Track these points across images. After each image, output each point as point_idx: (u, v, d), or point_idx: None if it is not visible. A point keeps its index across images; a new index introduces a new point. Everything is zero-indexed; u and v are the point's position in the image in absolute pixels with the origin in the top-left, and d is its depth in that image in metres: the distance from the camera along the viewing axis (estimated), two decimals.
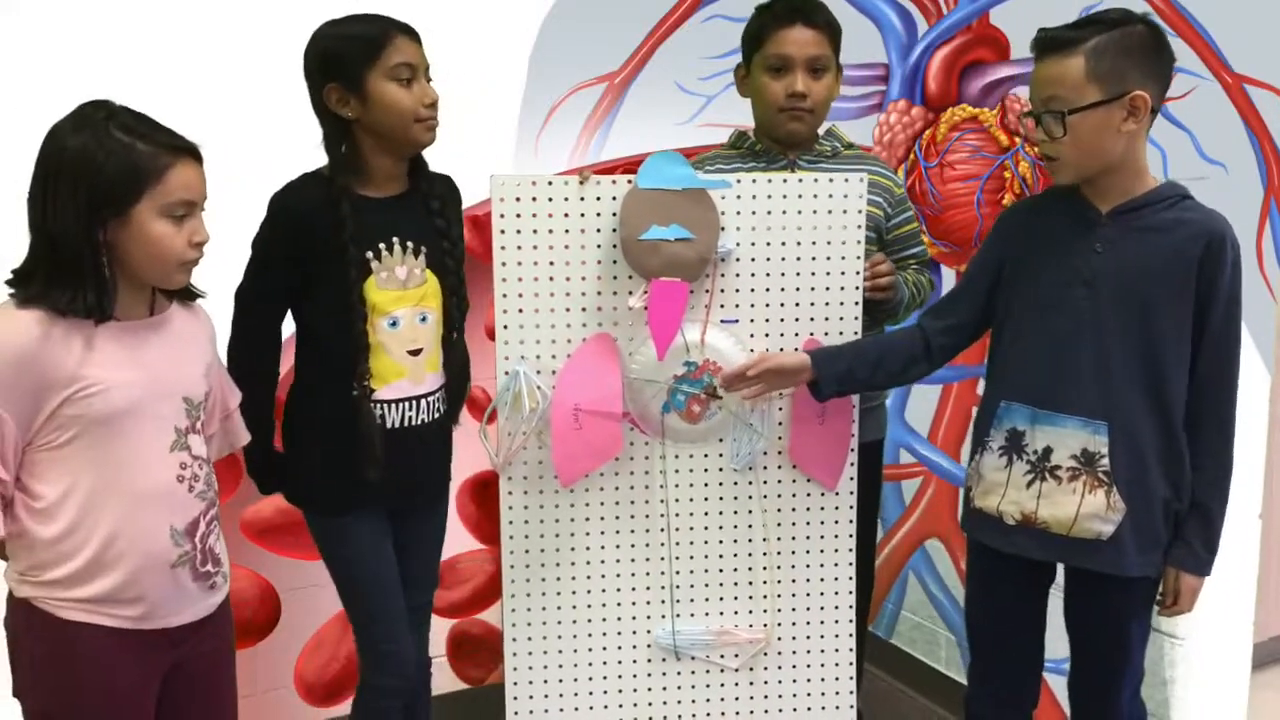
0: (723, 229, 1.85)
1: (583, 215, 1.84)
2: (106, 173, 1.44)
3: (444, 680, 2.51)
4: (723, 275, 1.87)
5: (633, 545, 1.94)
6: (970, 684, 1.92)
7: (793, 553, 1.96)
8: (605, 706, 1.96)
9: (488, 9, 2.45)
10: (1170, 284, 1.64)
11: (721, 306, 1.89)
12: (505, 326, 1.86)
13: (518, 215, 1.84)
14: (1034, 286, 1.74)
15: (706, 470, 1.94)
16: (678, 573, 1.94)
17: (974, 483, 1.80)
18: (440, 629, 2.56)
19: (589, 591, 1.94)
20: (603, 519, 1.93)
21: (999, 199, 2.53)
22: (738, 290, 1.89)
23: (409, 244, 1.83)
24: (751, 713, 1.97)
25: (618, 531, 1.94)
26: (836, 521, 1.97)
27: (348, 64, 1.75)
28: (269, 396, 1.90)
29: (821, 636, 1.97)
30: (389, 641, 1.91)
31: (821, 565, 1.97)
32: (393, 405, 1.83)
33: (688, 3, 2.67)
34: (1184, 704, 2.15)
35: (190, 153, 1.51)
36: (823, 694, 1.98)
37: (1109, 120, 1.60)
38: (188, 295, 1.62)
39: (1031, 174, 2.44)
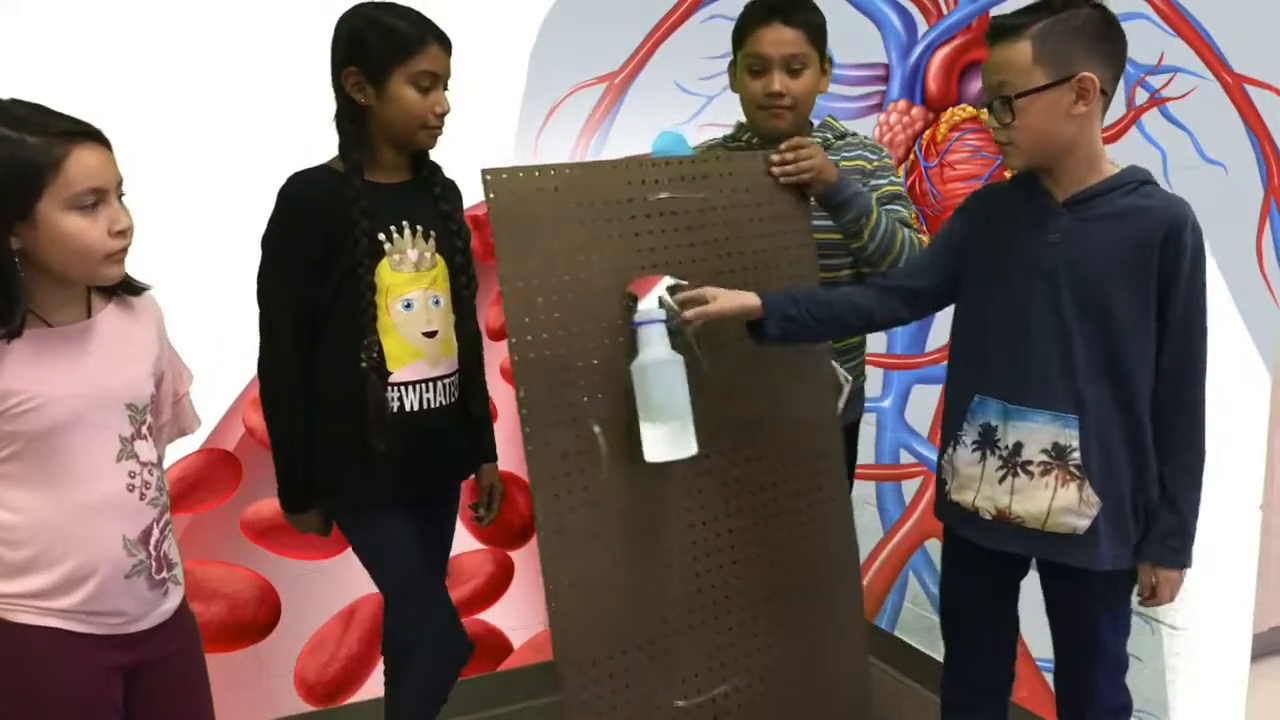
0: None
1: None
2: None
3: None
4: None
5: None
6: (946, 672, 1.93)
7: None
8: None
9: (488, 9, 2.45)
10: (1128, 273, 1.62)
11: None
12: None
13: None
14: (996, 279, 1.74)
15: None
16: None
17: (948, 475, 1.80)
18: None
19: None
20: None
21: None
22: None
23: (419, 228, 1.84)
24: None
25: None
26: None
27: (375, 55, 1.75)
28: (301, 411, 1.85)
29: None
30: (426, 622, 1.90)
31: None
32: (410, 387, 1.83)
33: (688, 3, 2.67)
34: (1183, 693, 2.15)
35: (89, 136, 1.39)
36: None
37: (1057, 103, 1.59)
38: (129, 290, 1.52)
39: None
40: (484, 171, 1.68)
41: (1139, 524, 1.69)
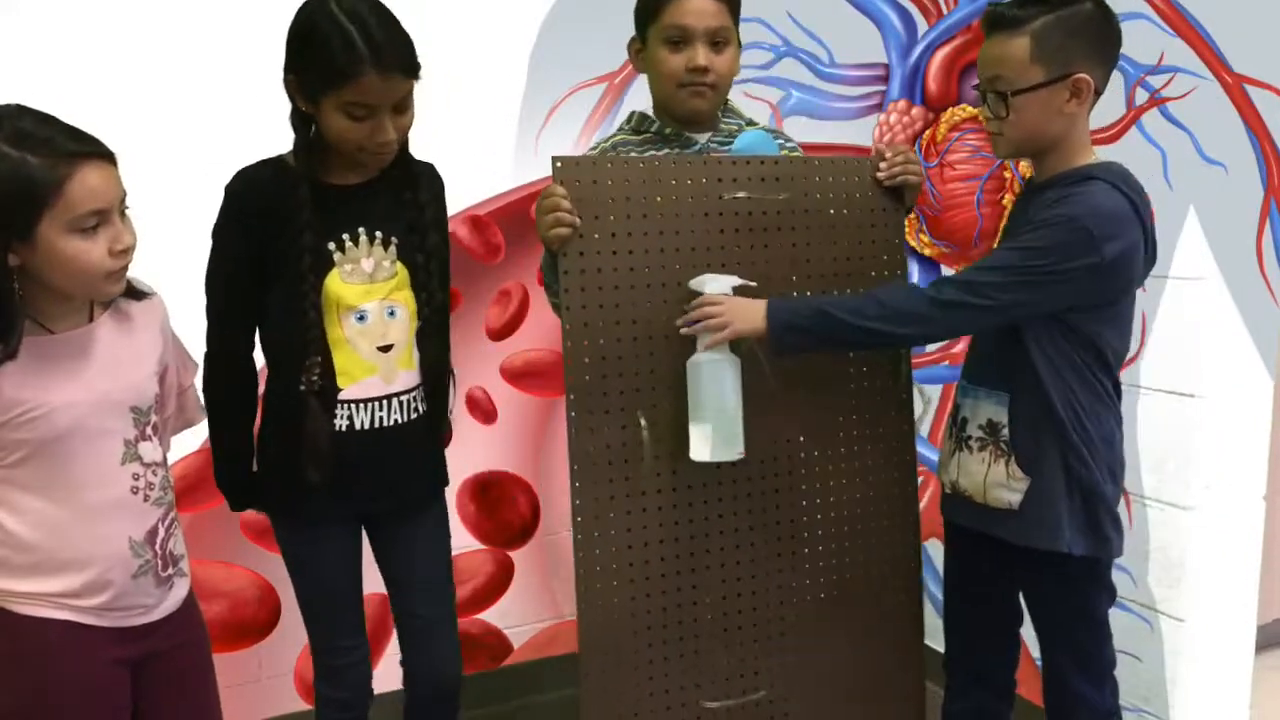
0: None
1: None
2: None
3: None
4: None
5: None
6: (945, 661, 1.96)
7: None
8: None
9: (488, 9, 2.45)
10: None
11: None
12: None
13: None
14: None
15: None
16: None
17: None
18: None
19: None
20: None
21: (999, 199, 2.53)
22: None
23: (377, 234, 1.71)
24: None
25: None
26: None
27: (308, 72, 1.62)
28: (247, 405, 1.80)
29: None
30: (331, 655, 1.85)
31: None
32: (362, 405, 1.72)
33: None
34: (1187, 686, 2.15)
35: (94, 155, 1.35)
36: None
37: (1051, 101, 1.61)
38: (131, 294, 1.51)
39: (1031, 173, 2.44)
40: (554, 159, 1.65)
41: (1072, 510, 1.67)
